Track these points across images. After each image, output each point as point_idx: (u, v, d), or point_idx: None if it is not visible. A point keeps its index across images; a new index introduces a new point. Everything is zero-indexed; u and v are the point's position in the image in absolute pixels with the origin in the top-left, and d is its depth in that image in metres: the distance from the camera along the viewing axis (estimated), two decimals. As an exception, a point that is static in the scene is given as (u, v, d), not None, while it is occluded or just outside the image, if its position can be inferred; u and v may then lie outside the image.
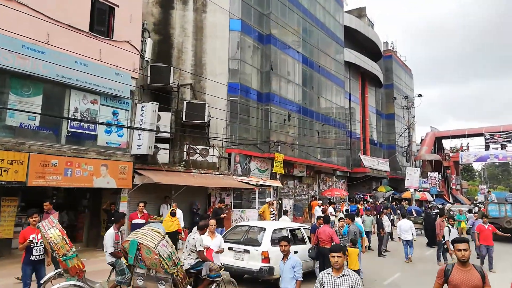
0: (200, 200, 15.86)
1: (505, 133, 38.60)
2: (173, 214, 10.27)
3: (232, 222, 16.05)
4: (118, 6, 12.58)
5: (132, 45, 12.87)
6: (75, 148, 11.28)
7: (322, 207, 16.62)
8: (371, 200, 28.59)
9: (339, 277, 4.05)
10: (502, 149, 38.12)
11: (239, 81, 19.31)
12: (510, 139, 38.58)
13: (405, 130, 33.28)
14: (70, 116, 11.27)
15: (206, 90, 17.47)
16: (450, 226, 11.11)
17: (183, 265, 5.54)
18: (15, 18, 9.63)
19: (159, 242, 4.88)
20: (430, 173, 36.71)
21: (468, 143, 42.64)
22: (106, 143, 12.26)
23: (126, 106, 12.85)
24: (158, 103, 13.67)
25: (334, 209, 17.58)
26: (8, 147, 9.68)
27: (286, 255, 5.31)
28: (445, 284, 4.22)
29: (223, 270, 6.54)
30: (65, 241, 5.73)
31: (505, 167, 74.31)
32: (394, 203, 28.31)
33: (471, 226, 15.24)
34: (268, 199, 16.16)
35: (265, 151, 20.09)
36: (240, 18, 19.38)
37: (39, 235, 6.15)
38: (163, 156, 15.20)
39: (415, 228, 13.72)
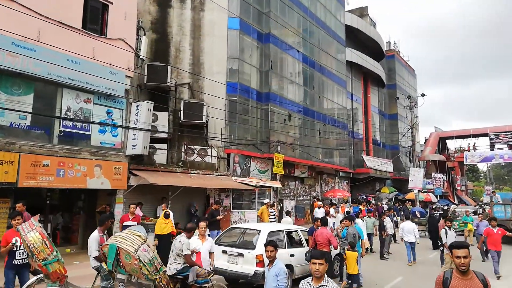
0: (198, 202, 15.58)
1: (510, 133, 37.88)
2: (166, 216, 9.95)
3: (232, 224, 15.75)
4: (112, 3, 12.32)
5: (127, 43, 12.61)
6: (68, 148, 11.04)
7: (322, 208, 16.30)
8: (373, 201, 28.16)
9: None
10: (508, 149, 37.45)
11: (238, 80, 19.01)
12: (515, 139, 37.86)
13: (408, 130, 32.87)
14: (62, 116, 11.02)
15: (204, 90, 17.20)
16: (447, 228, 10.64)
17: (166, 270, 5.20)
18: (4, 15, 9.40)
19: (139, 246, 4.59)
20: (434, 174, 36.12)
21: (474, 143, 41.83)
22: (100, 143, 12.00)
23: (120, 105, 12.58)
24: (153, 102, 13.42)
25: (334, 210, 17.20)
26: (-3, 147, 9.45)
27: (271, 261, 4.91)
28: None
29: (217, 275, 6.16)
30: (46, 244, 5.45)
31: (511, 167, 73.32)
32: (397, 204, 27.84)
33: (475, 228, 14.92)
34: (266, 200, 15.86)
35: (265, 152, 19.77)
36: (238, 16, 19.09)
37: (23, 238, 5.88)
38: (161, 156, 14.96)
39: (419, 230, 13.39)
